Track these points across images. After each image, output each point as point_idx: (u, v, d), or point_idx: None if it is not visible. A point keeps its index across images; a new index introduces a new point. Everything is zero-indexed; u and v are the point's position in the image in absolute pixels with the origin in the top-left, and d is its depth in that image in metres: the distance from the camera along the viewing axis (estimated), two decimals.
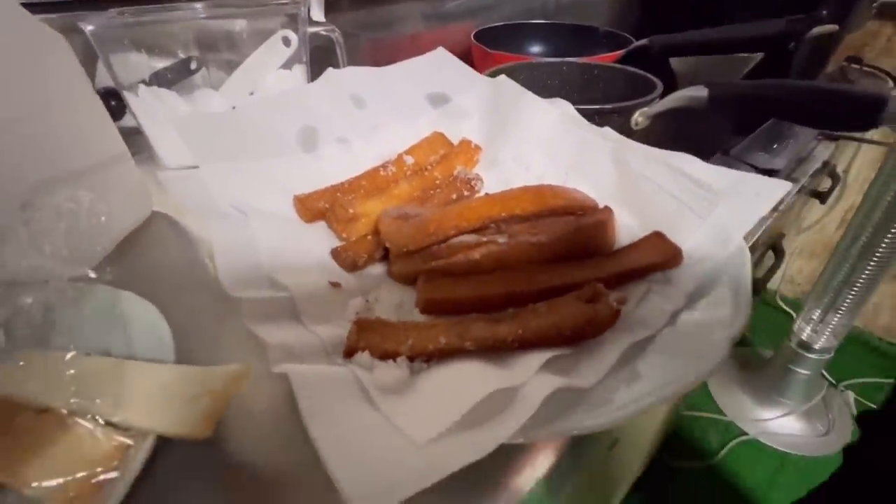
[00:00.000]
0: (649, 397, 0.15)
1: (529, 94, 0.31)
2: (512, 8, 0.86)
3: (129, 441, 0.14)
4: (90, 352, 0.18)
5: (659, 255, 0.20)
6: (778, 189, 0.22)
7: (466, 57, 0.68)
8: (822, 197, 0.77)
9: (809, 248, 1.19)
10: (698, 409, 1.16)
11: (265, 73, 0.37)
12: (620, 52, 0.60)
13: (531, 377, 0.15)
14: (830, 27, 0.63)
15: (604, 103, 0.37)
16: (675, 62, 0.67)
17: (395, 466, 0.13)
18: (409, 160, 0.29)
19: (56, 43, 0.25)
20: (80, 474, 0.13)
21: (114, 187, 0.27)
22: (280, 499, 0.14)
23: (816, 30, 0.63)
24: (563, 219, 0.23)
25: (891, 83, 0.84)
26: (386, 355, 0.16)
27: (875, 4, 0.73)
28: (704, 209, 0.21)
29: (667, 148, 0.25)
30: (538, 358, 0.16)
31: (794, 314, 1.07)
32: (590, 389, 0.16)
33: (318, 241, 0.24)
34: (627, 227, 0.23)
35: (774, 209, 0.43)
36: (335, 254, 0.23)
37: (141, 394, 0.14)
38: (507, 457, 0.15)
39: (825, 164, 0.64)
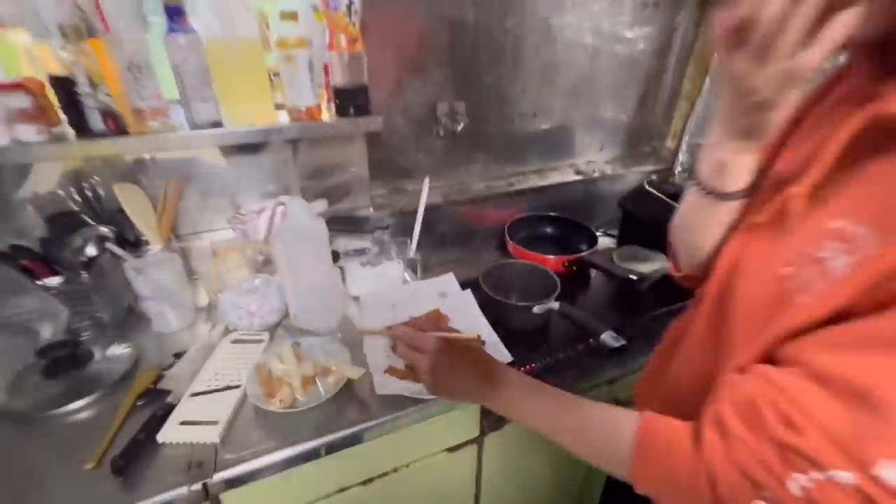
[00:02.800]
0: None
1: (470, 298, 0.90)
2: (539, 202, 1.43)
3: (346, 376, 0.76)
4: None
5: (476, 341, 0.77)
6: (507, 359, 0.77)
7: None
8: None
9: None
10: None
11: (392, 270, 1.01)
12: (586, 252, 1.14)
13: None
14: None
15: (542, 291, 0.94)
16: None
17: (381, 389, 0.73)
18: (425, 316, 0.90)
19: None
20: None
21: (341, 300, 0.93)
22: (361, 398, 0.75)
23: None
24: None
25: None
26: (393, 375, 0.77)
27: None
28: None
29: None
30: None
31: None
32: None
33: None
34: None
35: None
36: (391, 347, 0.84)
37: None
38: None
39: None
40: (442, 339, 0.66)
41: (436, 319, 0.89)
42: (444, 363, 0.63)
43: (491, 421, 0.86)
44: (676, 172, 1.50)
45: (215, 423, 0.69)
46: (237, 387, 0.76)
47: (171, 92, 0.88)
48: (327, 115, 1.01)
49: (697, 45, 1.45)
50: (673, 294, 1.06)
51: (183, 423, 0.69)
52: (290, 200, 0.81)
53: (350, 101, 0.98)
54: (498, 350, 0.80)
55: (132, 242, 0.91)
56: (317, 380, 0.76)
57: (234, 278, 0.96)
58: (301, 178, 1.16)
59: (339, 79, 0.98)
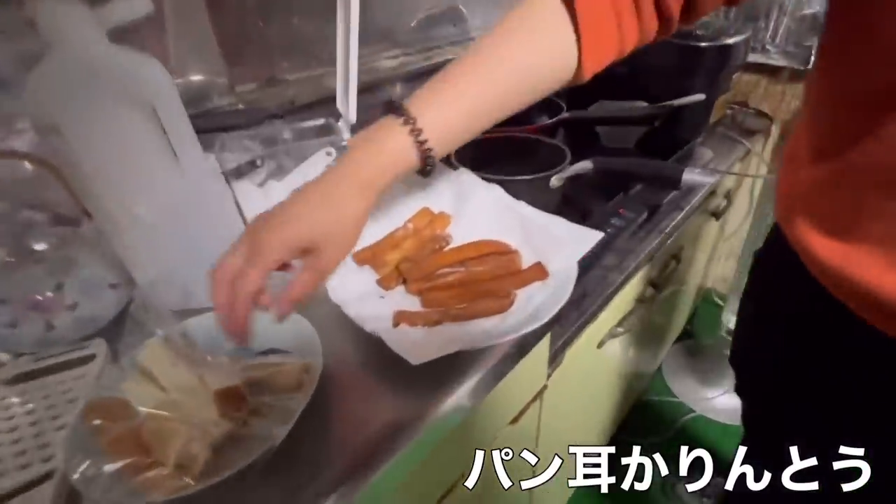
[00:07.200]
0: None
1: (479, 182, 0.53)
2: None
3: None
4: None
5: (538, 274, 0.42)
6: (595, 237, 0.44)
7: None
8: (717, 215, 1.01)
9: (736, 251, 1.41)
10: (654, 394, 1.37)
11: (314, 173, 0.58)
12: (553, 120, 0.83)
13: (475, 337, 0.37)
14: (697, 97, 0.86)
15: (534, 165, 0.60)
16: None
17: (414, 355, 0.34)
18: (410, 226, 0.51)
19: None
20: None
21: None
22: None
23: (686, 99, 0.85)
24: (493, 256, 0.45)
25: (769, 121, 1.09)
26: (415, 325, 0.38)
27: (735, 75, 0.98)
28: (559, 252, 0.43)
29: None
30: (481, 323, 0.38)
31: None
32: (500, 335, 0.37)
33: (369, 275, 0.46)
34: (528, 259, 0.45)
35: (669, 233, 0.64)
36: (379, 283, 0.44)
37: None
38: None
39: (713, 192, 0.88)
40: None
41: (429, 222, 0.51)
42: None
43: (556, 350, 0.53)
44: None
45: None
46: (47, 476, 0.30)
47: None
48: None
49: None
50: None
51: None
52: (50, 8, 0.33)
53: None
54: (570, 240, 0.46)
55: None
56: (247, 391, 0.33)
57: None
58: None
59: None
